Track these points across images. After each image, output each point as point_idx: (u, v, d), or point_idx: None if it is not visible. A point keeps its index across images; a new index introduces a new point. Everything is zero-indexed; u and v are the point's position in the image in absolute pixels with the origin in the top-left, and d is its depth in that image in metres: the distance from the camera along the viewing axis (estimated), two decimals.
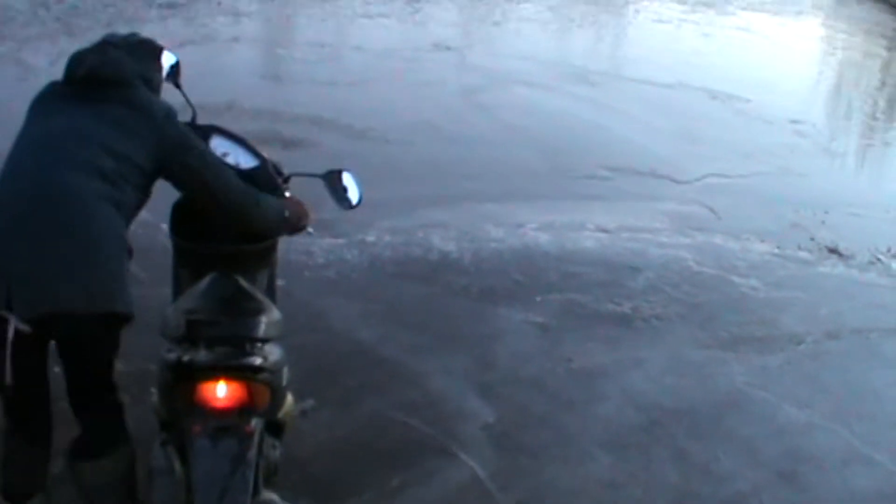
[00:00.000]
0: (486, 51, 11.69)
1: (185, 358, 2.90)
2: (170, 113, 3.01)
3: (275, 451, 3.42)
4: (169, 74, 3.44)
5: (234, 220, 3.18)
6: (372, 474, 3.90)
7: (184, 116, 3.31)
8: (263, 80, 9.55)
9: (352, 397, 4.41)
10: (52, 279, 2.70)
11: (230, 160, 3.36)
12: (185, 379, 2.91)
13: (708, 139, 8.98)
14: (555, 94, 9.98)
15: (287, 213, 3.30)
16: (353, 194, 3.57)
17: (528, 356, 4.92)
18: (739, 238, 6.68)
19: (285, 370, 3.20)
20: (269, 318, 3.20)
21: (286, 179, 3.58)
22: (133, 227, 3.03)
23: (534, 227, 6.51)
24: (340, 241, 6.02)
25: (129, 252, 2.95)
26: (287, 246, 5.63)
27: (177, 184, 3.07)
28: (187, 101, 3.51)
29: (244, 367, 2.94)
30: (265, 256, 3.65)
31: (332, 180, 3.58)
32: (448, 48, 11.33)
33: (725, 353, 5.12)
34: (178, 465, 3.00)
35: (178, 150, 2.98)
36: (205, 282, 3.37)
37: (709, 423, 4.50)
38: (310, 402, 4.27)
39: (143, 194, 3.01)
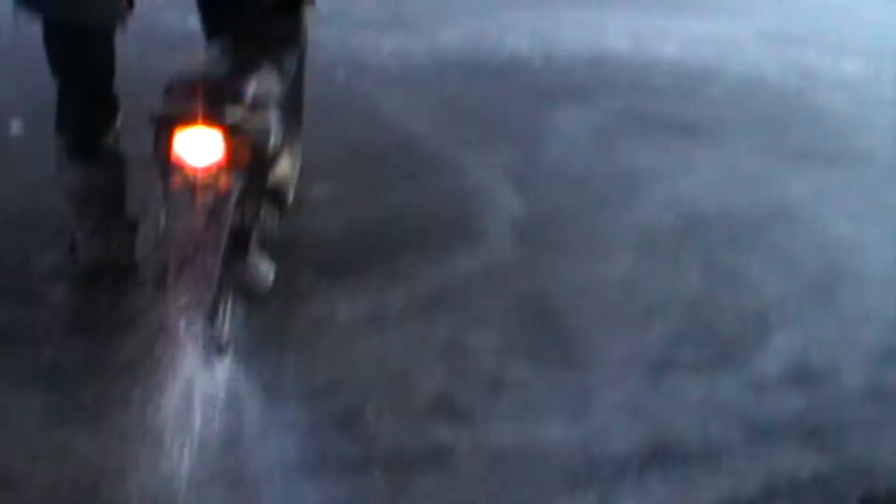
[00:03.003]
0: None
1: (166, 108, 2.91)
2: None
3: (273, 219, 3.46)
4: None
5: None
6: (384, 255, 3.87)
7: None
8: None
9: (384, 184, 4.38)
10: None
11: None
12: (164, 129, 2.91)
13: None
14: None
15: None
16: None
17: (575, 156, 4.77)
18: (835, 55, 6.27)
19: (275, 135, 3.18)
20: (262, 83, 3.16)
21: None
22: None
23: (617, 32, 6.26)
24: (412, 36, 5.92)
25: None
26: (354, 41, 5.62)
27: None
28: None
29: (219, 120, 2.91)
30: (288, 39, 3.65)
31: None
32: None
33: (786, 166, 4.84)
34: (162, 220, 3.05)
35: None
36: (211, 48, 3.39)
37: (749, 233, 4.28)
38: (339, 186, 4.27)
39: None
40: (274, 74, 3.34)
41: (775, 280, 4.00)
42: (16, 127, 4.45)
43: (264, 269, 3.28)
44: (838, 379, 3.49)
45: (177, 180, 2.93)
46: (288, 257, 3.68)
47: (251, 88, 3.07)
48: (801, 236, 4.33)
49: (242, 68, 3.20)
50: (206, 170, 2.92)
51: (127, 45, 4.20)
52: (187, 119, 2.86)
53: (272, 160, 3.24)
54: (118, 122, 3.46)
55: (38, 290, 3.50)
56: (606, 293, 3.82)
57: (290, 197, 3.61)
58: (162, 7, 5.38)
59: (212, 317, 3.06)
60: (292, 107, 3.87)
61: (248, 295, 3.24)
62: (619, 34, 6.22)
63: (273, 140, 3.16)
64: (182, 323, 3.03)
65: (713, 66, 5.95)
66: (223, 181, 2.95)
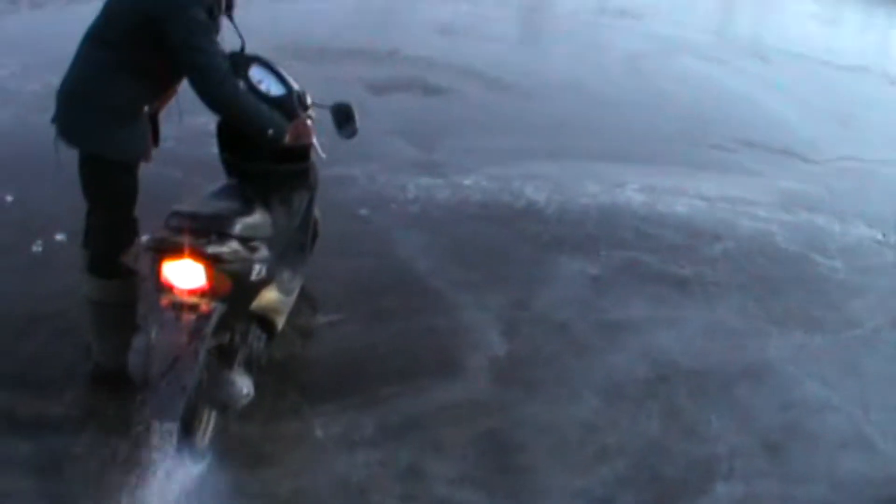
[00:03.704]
0: (667, 19, 11.62)
1: (157, 237, 3.32)
2: None
3: (259, 342, 3.84)
4: (226, 8, 3.83)
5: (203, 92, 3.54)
6: (367, 383, 4.19)
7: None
8: (434, 33, 9.86)
9: (382, 317, 4.72)
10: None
11: (262, 87, 3.88)
12: (157, 256, 3.33)
13: (862, 123, 8.71)
14: (721, 68, 9.92)
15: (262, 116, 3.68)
16: (353, 127, 3.97)
17: (566, 303, 5.06)
18: (844, 220, 6.51)
19: (259, 267, 3.57)
20: (250, 221, 3.58)
21: (307, 107, 3.96)
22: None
23: (633, 188, 6.58)
24: (438, 181, 6.33)
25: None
26: (383, 180, 6.05)
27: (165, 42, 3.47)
28: (237, 32, 3.89)
29: (205, 253, 3.30)
30: (296, 179, 4.12)
31: (338, 112, 3.98)
32: (632, 16, 11.34)
33: (770, 327, 5.07)
34: (153, 333, 3.45)
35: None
36: (216, 186, 3.86)
37: (716, 389, 4.50)
38: (337, 316, 4.64)
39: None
40: (266, 213, 3.77)
41: (731, 435, 4.21)
42: (60, 236, 4.93)
43: (242, 386, 3.62)
44: None
45: (164, 301, 3.34)
46: (278, 378, 4.08)
47: (239, 225, 3.48)
48: (766, 395, 4.54)
49: (236, 206, 3.63)
50: (189, 294, 3.33)
51: (167, 171, 4.73)
52: (175, 250, 3.27)
53: (255, 290, 3.63)
54: (137, 244, 3.88)
55: (53, 386, 3.90)
56: (565, 434, 4.07)
57: (280, 324, 3.97)
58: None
59: (187, 424, 3.44)
60: (298, 240, 4.30)
61: (223, 408, 3.62)
62: (635, 189, 6.55)
63: (256, 272, 3.55)
64: (159, 427, 3.44)
65: (722, 224, 6.22)
66: (204, 305, 3.34)
